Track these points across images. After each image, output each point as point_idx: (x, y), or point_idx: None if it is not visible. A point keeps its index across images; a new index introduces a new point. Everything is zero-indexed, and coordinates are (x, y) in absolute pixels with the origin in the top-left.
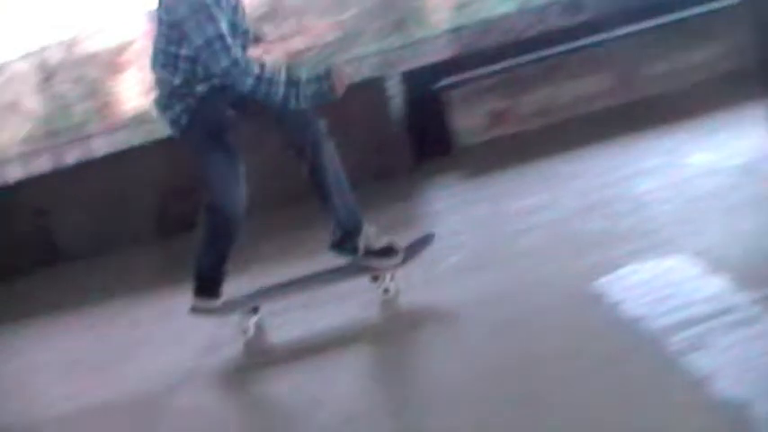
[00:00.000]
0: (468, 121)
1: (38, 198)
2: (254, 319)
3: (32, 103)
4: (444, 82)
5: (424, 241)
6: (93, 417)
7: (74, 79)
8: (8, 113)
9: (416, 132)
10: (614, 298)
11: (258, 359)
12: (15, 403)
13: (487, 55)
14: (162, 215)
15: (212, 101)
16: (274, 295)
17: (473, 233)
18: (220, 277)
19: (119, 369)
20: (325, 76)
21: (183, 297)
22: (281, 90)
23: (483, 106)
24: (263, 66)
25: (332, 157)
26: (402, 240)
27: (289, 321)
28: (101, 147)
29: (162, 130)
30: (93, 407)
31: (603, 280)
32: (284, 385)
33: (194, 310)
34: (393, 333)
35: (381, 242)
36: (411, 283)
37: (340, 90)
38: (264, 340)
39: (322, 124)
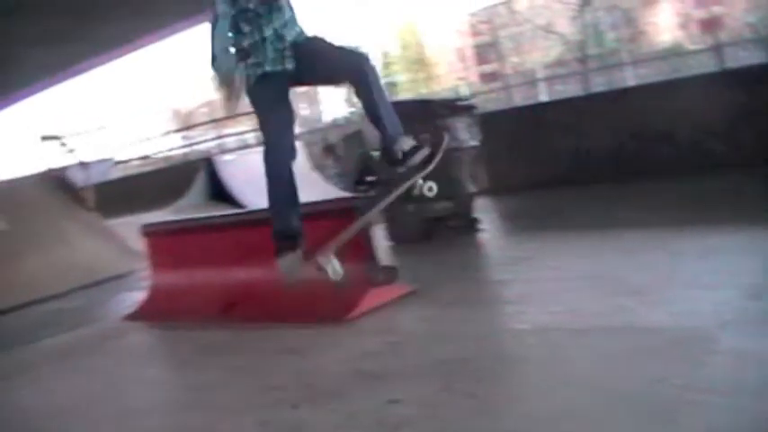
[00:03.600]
0: None
1: (565, 118)
2: None
3: (565, 26)
4: None
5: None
6: (633, 336)
7: (608, 7)
8: (541, 35)
9: None
10: None
11: None
12: (555, 307)
13: None
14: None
15: None
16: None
17: None
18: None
19: (661, 295)
20: None
21: (725, 236)
22: None
23: None
24: None
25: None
26: None
27: None
28: (628, 77)
29: (695, 65)
30: (636, 326)
31: None
32: None
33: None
34: None
35: (409, 144)
36: None
37: None
38: None
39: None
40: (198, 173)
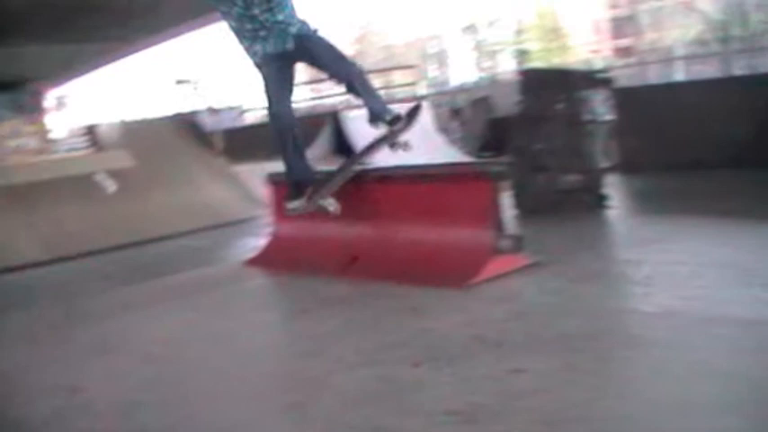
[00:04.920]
0: None
1: (703, 99)
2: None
3: (708, 4)
4: None
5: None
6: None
7: None
8: (682, 12)
9: None
10: None
11: None
12: (685, 292)
13: None
14: None
15: None
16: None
17: None
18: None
19: None
20: None
21: None
22: None
23: None
24: None
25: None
26: None
27: None
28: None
29: None
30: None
31: None
32: None
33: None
34: None
35: (392, 114)
36: None
37: None
38: None
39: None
40: (323, 126)
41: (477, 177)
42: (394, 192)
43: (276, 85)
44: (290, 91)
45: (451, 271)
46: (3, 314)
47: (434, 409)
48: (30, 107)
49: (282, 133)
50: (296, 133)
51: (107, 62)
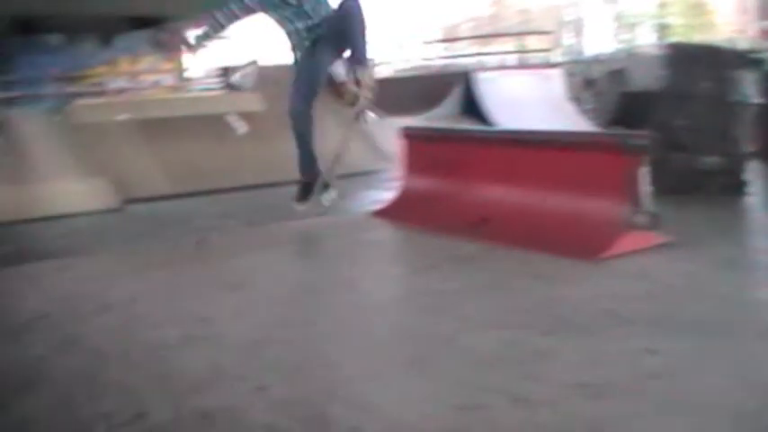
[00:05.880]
0: None
1: None
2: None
3: None
4: None
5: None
6: None
7: None
8: None
9: None
10: None
11: None
12: None
13: None
14: None
15: None
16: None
17: None
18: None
19: None
20: None
21: None
22: None
23: None
24: None
25: None
26: None
27: None
28: None
29: None
30: None
31: None
32: None
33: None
34: None
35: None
36: None
37: None
38: None
39: None
40: (454, 86)
41: (616, 149)
42: (529, 156)
43: (296, 84)
44: (313, 90)
45: (583, 242)
46: (136, 240)
47: (563, 379)
48: (168, 45)
49: (296, 135)
50: (307, 132)
51: None
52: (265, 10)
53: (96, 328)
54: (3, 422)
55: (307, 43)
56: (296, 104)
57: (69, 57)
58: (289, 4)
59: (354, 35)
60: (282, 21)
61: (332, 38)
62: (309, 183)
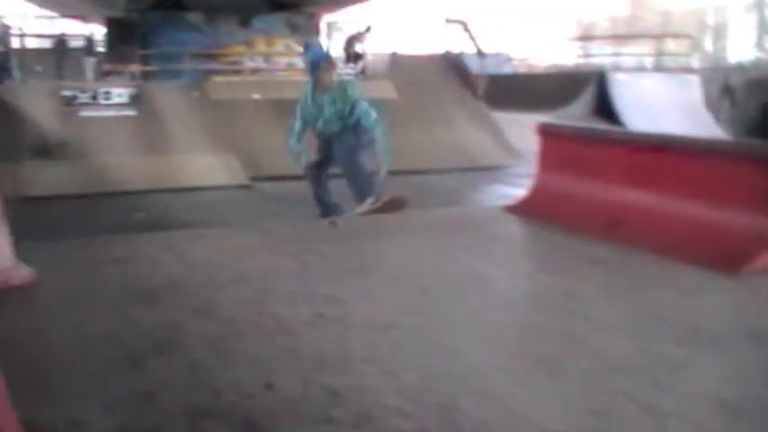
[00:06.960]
0: None
1: None
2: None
3: None
4: None
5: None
6: None
7: None
8: None
9: None
10: None
11: None
12: None
13: None
14: None
15: None
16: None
17: None
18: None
19: None
20: None
21: None
22: None
23: None
24: None
25: None
26: None
27: None
28: None
29: None
30: None
31: None
32: None
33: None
34: None
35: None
36: None
37: None
38: None
39: None
40: (588, 85)
41: (762, 160)
42: (670, 162)
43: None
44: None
45: (722, 254)
46: (266, 217)
47: (698, 393)
48: (304, 28)
49: (303, 169)
50: (320, 185)
51: None
52: None
53: (230, 298)
54: (136, 382)
55: None
56: (310, 171)
57: (208, 35)
58: None
59: None
60: None
61: None
62: (325, 208)
